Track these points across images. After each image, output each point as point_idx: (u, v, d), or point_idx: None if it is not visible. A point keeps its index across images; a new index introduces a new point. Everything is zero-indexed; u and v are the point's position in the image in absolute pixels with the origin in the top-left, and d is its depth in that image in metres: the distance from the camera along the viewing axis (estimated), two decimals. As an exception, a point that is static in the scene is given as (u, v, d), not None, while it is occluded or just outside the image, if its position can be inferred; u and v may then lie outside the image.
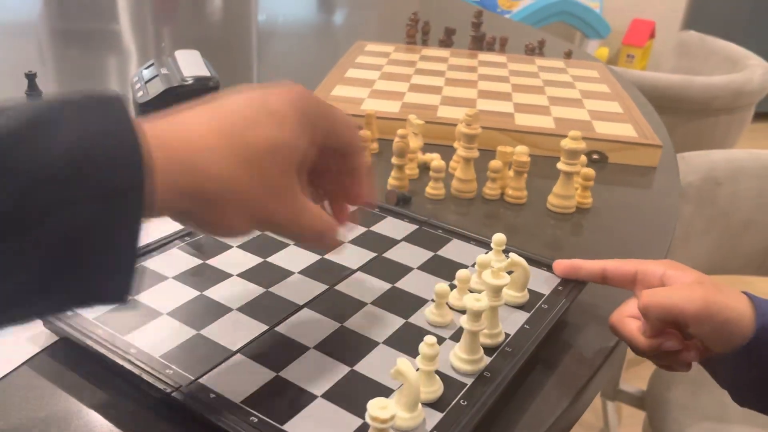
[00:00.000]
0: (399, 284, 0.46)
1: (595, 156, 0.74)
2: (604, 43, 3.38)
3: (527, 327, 0.43)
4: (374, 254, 0.50)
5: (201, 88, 0.81)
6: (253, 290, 0.44)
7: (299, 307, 0.43)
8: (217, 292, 0.44)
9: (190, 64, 0.85)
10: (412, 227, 0.54)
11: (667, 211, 0.66)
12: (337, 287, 0.45)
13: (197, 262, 0.47)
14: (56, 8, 1.48)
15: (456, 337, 0.41)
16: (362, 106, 0.79)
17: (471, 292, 0.45)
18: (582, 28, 3.23)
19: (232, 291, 0.44)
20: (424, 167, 0.69)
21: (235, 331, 0.40)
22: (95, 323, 0.40)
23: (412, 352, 0.38)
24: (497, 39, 1.15)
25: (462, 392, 0.37)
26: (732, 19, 3.40)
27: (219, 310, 0.42)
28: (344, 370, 0.38)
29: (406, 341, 0.40)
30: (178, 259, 0.47)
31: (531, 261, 0.49)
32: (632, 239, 0.60)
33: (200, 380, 0.36)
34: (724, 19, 3.40)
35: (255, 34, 1.41)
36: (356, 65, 0.98)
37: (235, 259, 0.48)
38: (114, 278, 0.29)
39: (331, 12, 1.67)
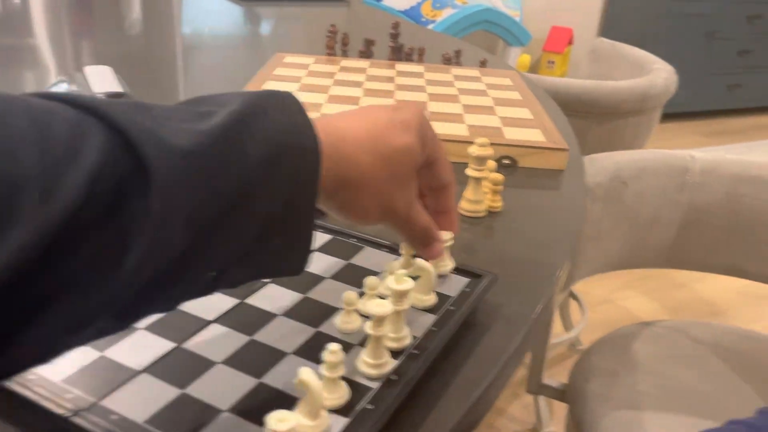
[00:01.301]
0: (310, 294, 0.47)
1: (505, 161, 0.77)
2: (525, 50, 3.49)
3: (434, 329, 0.44)
4: (286, 266, 0.50)
5: (112, 105, 0.80)
6: (161, 308, 0.44)
7: (208, 323, 0.43)
8: (123, 312, 0.43)
9: (101, 80, 0.84)
10: (326, 237, 0.55)
11: (574, 211, 0.69)
12: (247, 300, 0.46)
13: (103, 282, 0.46)
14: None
15: (365, 342, 0.42)
16: (279, 119, 0.79)
17: (381, 298, 0.46)
18: (504, 36, 3.33)
19: (139, 310, 0.43)
20: (341, 177, 0.70)
21: (142, 351, 0.40)
22: (-9, 351, 0.38)
23: (320, 362, 0.39)
24: (415, 49, 1.18)
25: (368, 396, 0.37)
26: (644, 27, 3.58)
27: (125, 330, 0.41)
28: (252, 383, 0.38)
29: (316, 350, 0.41)
30: (82, 281, 0.46)
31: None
32: (541, 239, 0.63)
33: (102, 402, 0.35)
34: (638, 26, 3.58)
35: (176, 48, 1.39)
36: (274, 77, 0.98)
37: (143, 277, 0.47)
38: (299, 251, 0.36)
39: (256, 25, 1.67)
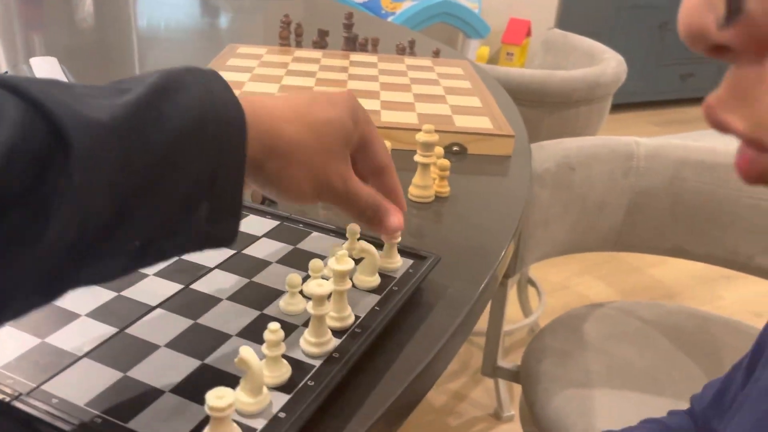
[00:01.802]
0: (256, 278, 0.48)
1: (455, 148, 0.79)
2: (485, 42, 3.53)
3: (377, 309, 0.45)
4: (233, 251, 0.51)
5: (58, 96, 0.79)
6: (104, 295, 0.44)
7: (152, 308, 0.43)
8: (62, 300, 0.43)
9: (47, 72, 0.82)
10: (274, 223, 0.56)
11: (520, 196, 0.71)
12: (192, 286, 0.46)
13: (46, 271, 0.46)
14: None
15: (309, 323, 0.43)
16: (230, 109, 0.79)
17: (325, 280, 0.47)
18: (463, 28, 3.35)
19: (79, 297, 0.43)
20: (291, 166, 0.70)
21: (83, 337, 0.40)
22: (-72, 340, 0.38)
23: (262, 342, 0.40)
24: (369, 39, 1.19)
25: (310, 374, 0.38)
26: (600, 18, 3.65)
27: (65, 317, 0.42)
28: (195, 364, 0.39)
29: (259, 332, 0.41)
30: (24, 270, 0.46)
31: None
32: (486, 223, 0.65)
33: (43, 387, 0.36)
34: (594, 18, 3.64)
35: (128, 40, 1.37)
36: (227, 68, 0.98)
37: (87, 265, 0.47)
38: (228, 220, 0.35)
39: (212, 16, 1.65)
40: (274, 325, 0.37)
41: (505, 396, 1.65)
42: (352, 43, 1.18)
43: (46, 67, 0.84)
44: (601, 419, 0.83)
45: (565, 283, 2.17)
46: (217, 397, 0.31)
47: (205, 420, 0.34)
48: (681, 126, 3.78)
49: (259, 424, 0.34)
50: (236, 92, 0.36)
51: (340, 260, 0.41)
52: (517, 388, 1.66)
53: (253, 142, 0.36)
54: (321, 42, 1.19)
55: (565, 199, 0.96)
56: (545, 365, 0.91)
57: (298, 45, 1.19)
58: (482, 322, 0.87)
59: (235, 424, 0.33)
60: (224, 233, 0.36)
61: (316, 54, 1.11)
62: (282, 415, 0.35)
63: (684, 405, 0.86)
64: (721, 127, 0.21)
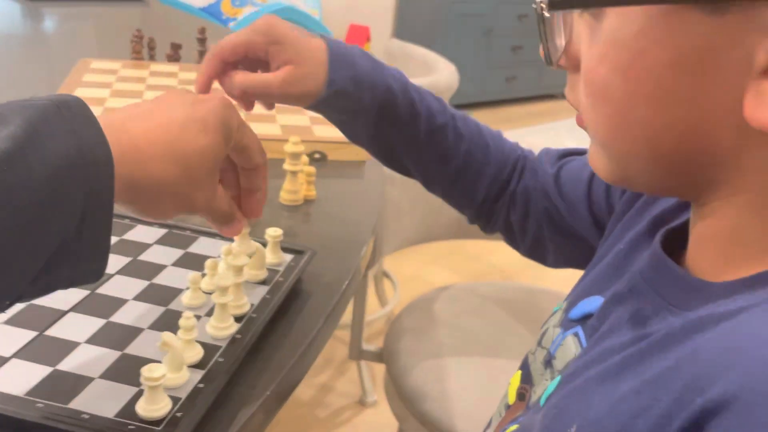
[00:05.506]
0: (156, 280, 0.54)
1: (317, 155, 0.88)
2: (327, 48, 3.66)
3: (268, 297, 0.53)
4: (130, 258, 0.56)
5: None
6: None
7: (64, 312, 0.48)
8: (-22, 312, 0.47)
9: None
10: (162, 231, 0.62)
11: (375, 195, 0.82)
12: (98, 291, 0.51)
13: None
14: None
15: (211, 313, 0.50)
16: (97, 125, 0.82)
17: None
18: (306, 34, 3.46)
19: (-6, 308, 0.47)
20: (167, 178, 0.76)
21: (6, 341, 0.44)
22: None
23: (174, 331, 0.46)
24: (223, 53, 1.24)
25: (219, 352, 0.46)
26: (433, 26, 3.92)
27: (-16, 326, 0.45)
28: (116, 354, 0.45)
29: (168, 323, 0.48)
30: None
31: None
32: (350, 220, 0.75)
33: (-21, 386, 0.40)
34: (427, 26, 3.91)
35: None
36: (84, 84, 0.99)
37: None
38: (96, 261, 0.36)
39: (48, 27, 1.59)
40: (188, 314, 0.44)
41: (369, 384, 1.78)
42: (207, 57, 1.23)
43: None
44: (453, 383, 0.97)
45: (416, 273, 2.35)
46: (150, 370, 0.38)
47: (135, 396, 0.41)
48: (509, 124, 4.17)
49: (183, 393, 0.42)
50: (98, 109, 0.38)
51: (237, 258, 0.49)
52: (379, 376, 1.80)
53: (121, 183, 0.36)
54: (174, 55, 1.23)
55: (412, 197, 1.09)
56: (404, 343, 1.03)
57: (152, 59, 1.22)
58: (346, 315, 0.97)
59: (165, 394, 0.40)
60: (91, 273, 0.36)
61: (173, 68, 1.15)
62: (201, 385, 0.43)
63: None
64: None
